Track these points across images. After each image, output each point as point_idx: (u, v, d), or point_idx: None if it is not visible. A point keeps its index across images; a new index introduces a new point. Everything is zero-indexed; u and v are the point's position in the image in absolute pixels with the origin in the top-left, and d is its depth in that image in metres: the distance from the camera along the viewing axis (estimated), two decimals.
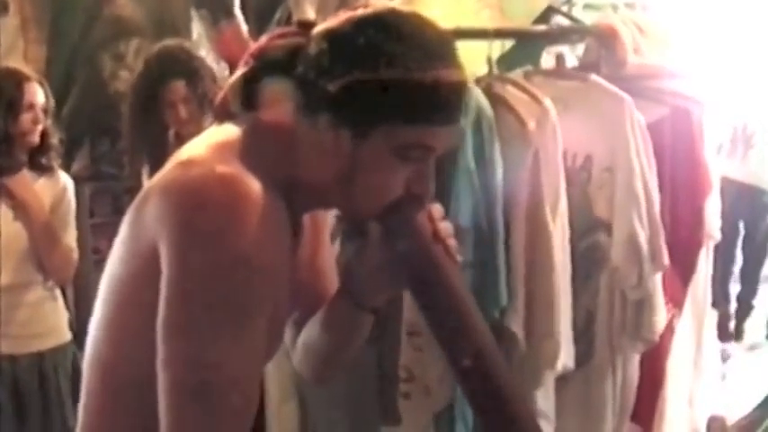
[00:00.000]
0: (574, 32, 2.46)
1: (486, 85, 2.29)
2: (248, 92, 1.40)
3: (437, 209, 1.40)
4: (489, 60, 2.32)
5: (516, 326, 2.19)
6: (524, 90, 2.27)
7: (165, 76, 3.22)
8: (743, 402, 4.04)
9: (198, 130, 3.23)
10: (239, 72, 1.43)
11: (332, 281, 1.54)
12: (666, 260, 2.34)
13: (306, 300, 1.52)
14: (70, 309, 3.97)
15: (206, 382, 1.22)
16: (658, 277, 2.36)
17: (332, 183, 1.34)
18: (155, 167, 2.74)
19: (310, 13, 4.48)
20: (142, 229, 1.30)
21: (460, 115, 1.36)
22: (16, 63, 3.84)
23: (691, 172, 2.45)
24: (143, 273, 1.29)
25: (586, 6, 4.63)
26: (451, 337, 1.37)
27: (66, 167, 4.19)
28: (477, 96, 2.18)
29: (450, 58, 1.32)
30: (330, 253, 1.58)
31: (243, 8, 4.24)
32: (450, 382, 2.16)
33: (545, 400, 2.31)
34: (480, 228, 2.15)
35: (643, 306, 2.36)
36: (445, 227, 1.39)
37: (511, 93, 2.27)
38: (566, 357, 2.26)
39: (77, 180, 4.28)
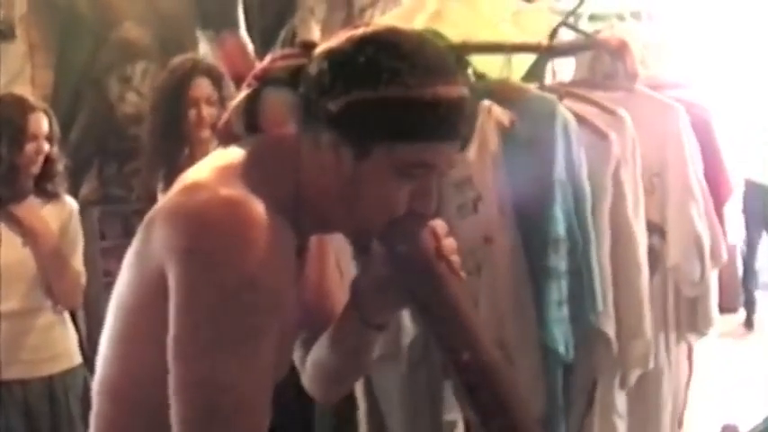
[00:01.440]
0: (585, 46, 2.49)
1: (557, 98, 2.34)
2: (251, 113, 1.41)
3: (441, 225, 1.40)
4: (540, 75, 2.38)
5: (609, 328, 2.25)
6: (589, 101, 2.31)
7: (192, 75, 3.29)
8: (757, 410, 4.02)
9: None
10: (242, 94, 1.44)
11: (339, 301, 1.54)
12: (725, 255, 2.49)
13: (313, 320, 1.52)
14: (81, 332, 3.99)
15: (218, 405, 1.23)
16: (714, 273, 2.47)
17: (335, 202, 1.34)
18: (168, 185, 2.78)
19: (315, 32, 4.50)
20: (149, 253, 1.31)
21: (462, 131, 1.36)
22: (23, 89, 3.86)
23: (714, 178, 2.53)
24: (150, 297, 1.29)
25: (592, 17, 4.64)
26: (456, 351, 1.37)
27: (75, 191, 4.22)
28: (562, 109, 2.22)
29: (449, 75, 1.32)
30: (336, 273, 1.58)
31: (248, 29, 4.27)
32: (531, 396, 2.19)
33: (620, 399, 2.38)
34: (573, 237, 2.20)
35: (697, 301, 2.47)
36: (449, 243, 1.39)
37: (577, 106, 2.31)
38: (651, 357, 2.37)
39: (86, 203, 4.32)
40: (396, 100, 1.28)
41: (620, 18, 4.72)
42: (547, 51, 2.36)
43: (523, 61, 2.45)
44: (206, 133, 3.22)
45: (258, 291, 1.24)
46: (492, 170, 2.17)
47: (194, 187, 1.31)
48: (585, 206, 2.21)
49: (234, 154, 1.38)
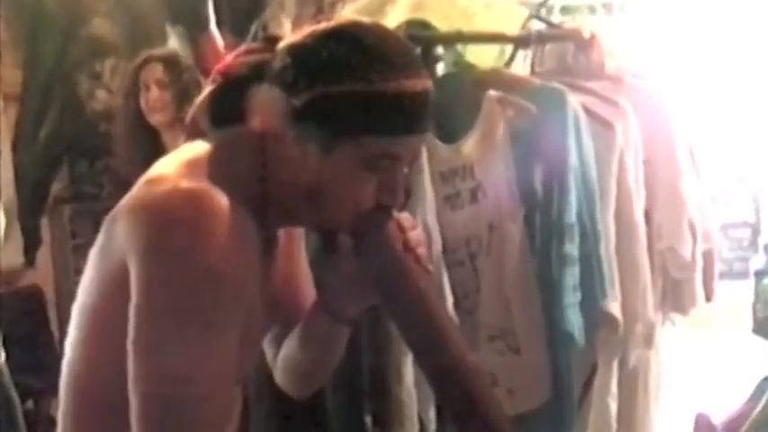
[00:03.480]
0: (552, 37, 2.52)
1: None
2: (217, 108, 1.41)
3: (407, 218, 1.40)
4: (533, 65, 2.42)
5: (616, 311, 2.32)
6: (587, 92, 2.36)
7: (146, 61, 3.38)
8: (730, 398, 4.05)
9: (170, 123, 3.24)
10: (207, 89, 1.44)
11: (309, 296, 1.54)
12: (715, 236, 2.61)
13: (283, 316, 1.52)
14: (53, 331, 3.97)
15: (176, 397, 1.22)
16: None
17: (301, 196, 1.34)
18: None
19: (286, 27, 4.48)
20: (112, 249, 1.30)
21: (426, 124, 1.35)
22: None
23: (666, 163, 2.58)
24: (114, 294, 1.29)
25: (564, 9, 4.65)
26: (424, 344, 1.37)
27: (47, 189, 4.20)
28: (571, 98, 2.26)
29: (412, 68, 1.32)
30: (306, 269, 1.58)
31: (218, 23, 4.24)
32: (538, 383, 2.25)
33: (614, 381, 2.45)
34: (583, 223, 2.26)
35: (684, 282, 2.56)
36: (416, 235, 1.39)
37: (577, 96, 2.36)
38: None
39: (57, 201, 4.30)
40: (359, 94, 1.28)
41: (592, 10, 4.75)
42: (523, 42, 2.38)
43: (487, 52, 2.47)
44: (157, 117, 3.24)
45: (218, 282, 1.23)
46: (498, 159, 2.20)
47: (156, 180, 1.31)
48: (594, 192, 2.28)
49: (199, 148, 1.38)
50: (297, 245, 1.55)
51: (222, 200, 1.25)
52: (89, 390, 1.35)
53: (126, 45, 4.31)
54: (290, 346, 1.53)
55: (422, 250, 1.39)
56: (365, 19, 1.39)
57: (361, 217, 1.34)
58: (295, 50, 1.32)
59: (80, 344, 1.35)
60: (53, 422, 3.58)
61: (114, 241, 1.30)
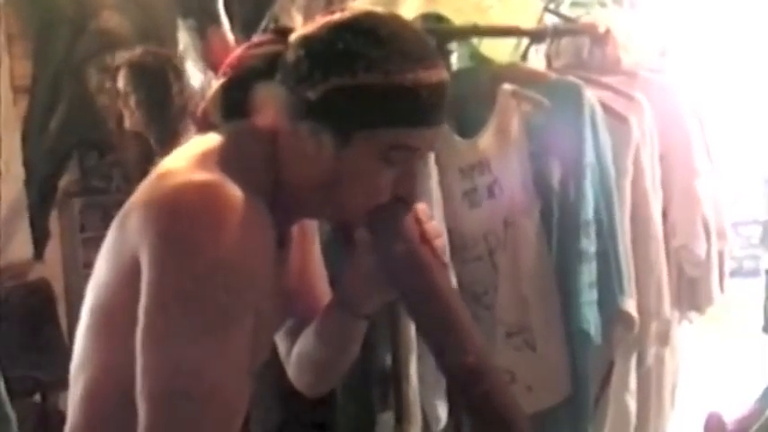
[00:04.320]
0: (568, 32, 2.50)
1: None
2: (228, 102, 1.39)
3: (423, 210, 1.38)
4: (549, 59, 2.41)
5: (633, 308, 2.31)
6: (603, 86, 2.34)
7: (117, 68, 3.45)
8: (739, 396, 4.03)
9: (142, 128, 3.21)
10: (218, 82, 1.42)
11: (323, 290, 1.52)
12: (728, 234, 2.61)
13: (297, 311, 1.50)
14: (62, 324, 3.96)
15: (186, 390, 1.20)
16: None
17: (316, 190, 1.32)
18: None
19: (297, 20, 4.47)
20: (124, 245, 1.28)
21: (443, 115, 1.33)
22: (1, 79, 3.82)
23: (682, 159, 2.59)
24: (126, 288, 1.27)
25: (574, 3, 4.62)
26: (441, 340, 1.35)
27: (56, 182, 4.19)
28: (588, 93, 2.25)
29: (429, 59, 1.30)
30: (320, 262, 1.56)
31: (229, 17, 4.22)
32: (555, 380, 2.22)
33: (632, 378, 2.46)
34: (600, 220, 2.25)
35: (700, 280, 2.57)
36: (432, 227, 1.37)
37: (593, 90, 2.34)
38: None
39: (67, 195, 4.29)
40: (376, 86, 1.26)
41: (602, 5, 4.72)
42: (539, 36, 2.36)
43: (502, 46, 2.45)
44: (127, 122, 3.24)
45: (231, 274, 1.21)
46: (513, 154, 2.18)
47: (169, 174, 1.29)
48: (611, 188, 2.26)
49: (211, 141, 1.36)
50: (310, 239, 1.53)
51: (236, 192, 1.23)
52: (99, 385, 1.33)
53: (136, 38, 4.29)
54: (304, 342, 1.51)
55: (439, 242, 1.37)
56: (380, 9, 1.37)
57: (377, 210, 1.32)
58: (309, 42, 1.30)
59: (92, 346, 1.33)
60: (62, 416, 3.58)
61: (127, 237, 1.28)
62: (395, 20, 1.33)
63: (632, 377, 2.44)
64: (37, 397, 4.03)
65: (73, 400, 1.37)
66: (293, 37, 1.34)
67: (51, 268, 4.21)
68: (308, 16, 4.45)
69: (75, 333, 3.38)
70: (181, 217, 1.22)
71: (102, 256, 1.35)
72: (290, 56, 1.31)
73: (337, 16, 1.31)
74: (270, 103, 1.33)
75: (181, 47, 4.26)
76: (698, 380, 4.57)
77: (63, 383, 3.79)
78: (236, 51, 1.43)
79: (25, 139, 4.20)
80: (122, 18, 4.37)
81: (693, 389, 4.17)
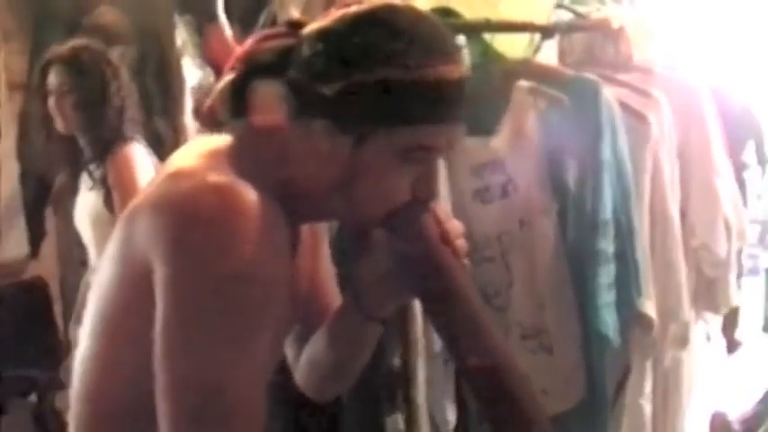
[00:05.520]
0: (581, 27, 2.46)
1: None
2: (237, 98, 1.33)
3: (443, 210, 1.34)
4: (562, 55, 2.37)
5: (651, 310, 2.27)
6: (620, 83, 2.30)
7: (48, 63, 3.11)
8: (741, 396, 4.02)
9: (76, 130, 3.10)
10: (227, 78, 1.36)
11: (332, 293, 1.47)
12: (749, 234, 2.62)
13: (306, 314, 1.45)
14: (57, 324, 3.92)
15: (208, 407, 1.15)
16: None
17: (331, 190, 1.27)
18: None
19: (295, 15, 4.42)
20: (132, 247, 1.23)
21: (463, 112, 1.29)
22: None
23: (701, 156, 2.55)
24: (135, 293, 1.22)
25: (574, 1, 4.58)
26: (463, 343, 1.30)
27: (51, 179, 4.14)
28: (605, 90, 2.21)
29: (450, 54, 1.26)
30: (329, 266, 1.51)
31: (227, 12, 4.18)
32: (571, 384, 2.17)
33: (647, 382, 2.43)
34: (618, 219, 2.21)
35: (718, 280, 2.51)
36: (453, 227, 1.33)
37: (610, 88, 2.31)
38: None
39: (62, 191, 4.23)
40: (395, 82, 1.21)
41: (601, 1, 4.68)
42: (552, 32, 2.31)
43: (513, 41, 2.41)
44: (60, 124, 3.07)
45: (252, 283, 1.16)
46: (529, 152, 2.14)
47: (180, 175, 1.23)
48: (629, 188, 2.22)
49: (220, 140, 1.31)
50: (320, 241, 1.48)
51: (252, 195, 1.19)
52: (103, 392, 1.28)
53: (133, 33, 4.24)
54: (315, 346, 1.46)
55: (460, 243, 1.33)
56: (398, 1, 1.32)
57: (395, 210, 1.27)
58: (325, 36, 1.25)
59: (96, 345, 1.28)
60: (58, 415, 3.56)
61: (135, 241, 1.23)
62: (414, 12, 1.28)
63: (648, 381, 2.40)
64: (33, 397, 3.99)
65: (76, 409, 1.32)
66: (307, 30, 1.29)
67: (47, 266, 4.17)
68: (306, 12, 4.42)
69: (71, 332, 3.33)
70: (197, 222, 1.17)
71: (108, 258, 1.30)
72: (305, 50, 1.26)
73: (354, 9, 1.26)
74: (283, 100, 1.28)
75: (179, 43, 4.22)
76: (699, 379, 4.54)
77: (59, 383, 3.77)
78: (246, 45, 1.37)
79: (21, 135, 4.15)
80: (119, 13, 4.32)
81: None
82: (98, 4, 4.28)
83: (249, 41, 1.37)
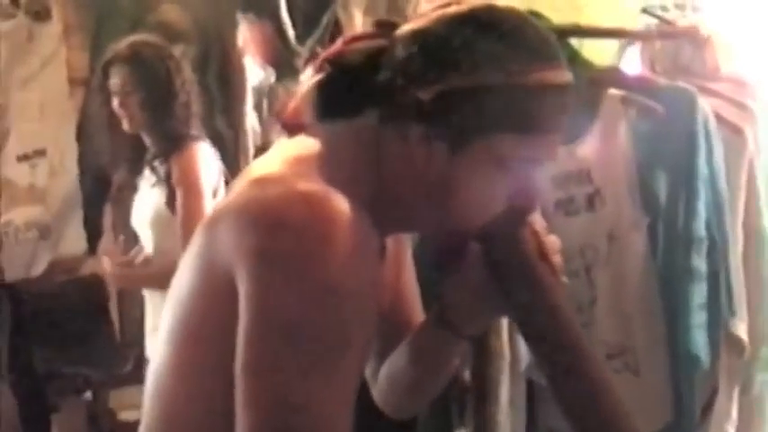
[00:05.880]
0: (671, 34, 2.37)
1: None
2: (325, 101, 1.27)
3: (541, 223, 1.27)
4: (652, 63, 2.30)
5: (743, 332, 2.20)
6: (713, 93, 2.22)
7: (109, 63, 3.08)
8: None
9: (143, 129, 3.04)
10: (314, 79, 1.30)
11: (415, 307, 1.41)
12: None
13: (388, 328, 1.39)
14: (113, 323, 3.90)
15: (292, 426, 1.09)
16: None
17: (424, 199, 1.21)
18: None
19: (358, 17, 4.38)
20: (214, 256, 1.17)
21: (566, 121, 1.22)
22: (58, 71, 3.76)
23: None
24: (216, 305, 1.16)
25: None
26: (560, 364, 1.24)
27: (110, 177, 4.13)
28: (701, 101, 2.14)
29: (555, 58, 1.19)
30: (413, 278, 1.45)
31: (290, 12, 4.15)
32: (658, 406, 2.11)
33: (734, 407, 2.32)
34: (711, 235, 2.14)
35: None
36: (551, 242, 1.26)
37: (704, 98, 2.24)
38: None
39: (120, 189, 4.22)
40: (496, 87, 1.15)
41: (664, 9, 4.58)
42: (642, 39, 2.24)
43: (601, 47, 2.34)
44: (126, 124, 3.02)
45: (343, 297, 1.10)
46: (618, 163, 2.06)
47: (266, 181, 1.18)
48: (723, 203, 2.14)
49: (305, 145, 1.25)
50: (404, 252, 1.42)
51: (344, 204, 1.13)
52: (178, 406, 1.23)
53: (195, 32, 4.22)
54: (395, 363, 1.40)
55: (557, 259, 1.26)
56: (498, 2, 1.25)
57: (491, 222, 1.21)
58: (422, 38, 1.19)
59: (173, 363, 1.22)
60: (112, 415, 3.54)
61: (216, 249, 1.17)
62: (516, 14, 1.22)
63: (735, 405, 2.31)
64: (87, 395, 3.97)
65: (149, 420, 1.27)
66: (401, 31, 1.23)
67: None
68: (368, 13, 4.37)
69: (127, 331, 3.30)
70: (285, 232, 1.11)
71: (186, 264, 1.24)
72: (399, 52, 1.20)
73: (453, 9, 1.20)
74: (375, 103, 1.22)
75: (240, 42, 4.19)
76: None
77: (114, 382, 3.76)
78: (335, 45, 1.32)
79: (81, 132, 4.13)
80: (181, 11, 4.30)
81: None
82: (161, 1, 4.26)
83: (339, 42, 1.31)
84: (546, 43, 1.20)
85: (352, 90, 1.24)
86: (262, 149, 4.20)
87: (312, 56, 4.31)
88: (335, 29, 4.31)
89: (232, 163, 3.45)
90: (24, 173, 4.12)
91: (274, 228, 1.12)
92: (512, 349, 1.98)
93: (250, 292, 1.11)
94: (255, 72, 4.10)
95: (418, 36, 1.19)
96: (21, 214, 4.11)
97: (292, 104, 1.34)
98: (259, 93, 4.10)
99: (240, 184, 1.23)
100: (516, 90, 1.15)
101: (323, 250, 1.10)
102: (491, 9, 1.21)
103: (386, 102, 1.21)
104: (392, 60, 1.20)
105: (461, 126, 1.16)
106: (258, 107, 4.09)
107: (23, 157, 4.12)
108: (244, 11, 4.20)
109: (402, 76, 1.18)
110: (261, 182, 1.18)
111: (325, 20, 4.29)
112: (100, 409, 3.93)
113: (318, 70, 1.31)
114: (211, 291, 1.18)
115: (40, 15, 4.14)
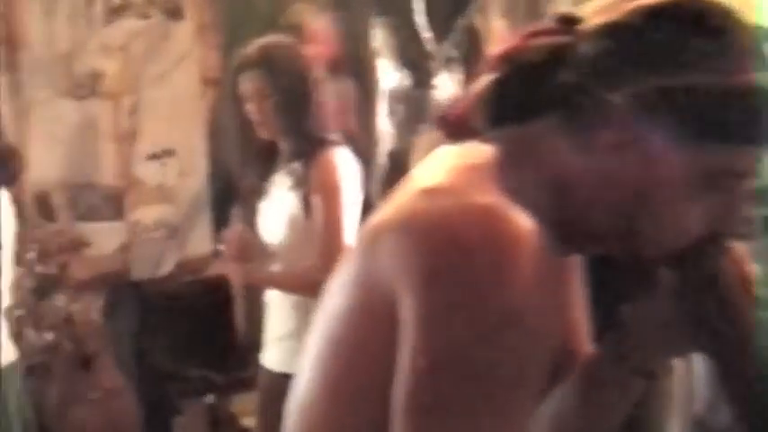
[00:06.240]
0: None
1: None
2: (502, 103, 1.14)
3: (742, 250, 1.12)
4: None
5: None
6: None
7: (239, 68, 2.90)
8: None
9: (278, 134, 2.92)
10: (488, 80, 1.17)
11: (584, 339, 1.27)
12: None
13: (556, 358, 1.25)
14: (237, 323, 3.85)
15: None
16: None
17: (613, 217, 1.06)
18: None
19: (495, 21, 4.28)
20: (373, 272, 1.06)
21: None
22: (191, 69, 3.74)
23: None
24: (374, 328, 1.05)
25: None
26: (759, 407, 1.09)
27: (240, 178, 4.10)
28: None
29: (766, 59, 1.04)
30: (583, 305, 1.30)
31: (427, 14, 4.09)
32: None
33: None
34: None
35: None
36: (753, 272, 1.11)
37: None
38: None
39: (248, 191, 4.18)
40: (707, 90, 1.00)
41: None
42: None
43: None
44: (261, 130, 2.87)
45: (521, 326, 0.97)
46: None
47: (435, 192, 1.05)
48: None
49: (475, 152, 1.11)
50: (575, 276, 1.28)
51: (525, 222, 1.00)
52: (327, 424, 1.12)
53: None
54: (562, 400, 1.25)
55: (760, 292, 1.11)
56: None
57: (688, 246, 1.07)
58: (615, 32, 1.04)
59: (322, 386, 1.11)
60: (233, 419, 3.48)
61: (377, 265, 1.05)
62: (724, 8, 1.07)
63: None
64: (210, 397, 3.94)
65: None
66: (590, 26, 1.09)
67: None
68: (507, 15, 4.25)
69: (251, 335, 3.22)
70: (458, 249, 0.98)
71: (341, 281, 1.13)
72: (587, 48, 1.06)
73: (651, 0, 1.05)
74: (559, 106, 1.08)
75: (375, 44, 4.13)
76: None
77: (236, 386, 3.69)
78: (511, 42, 1.18)
79: (211, 132, 4.12)
80: (315, 13, 4.25)
81: None
82: (295, 2, 4.21)
83: (515, 38, 1.18)
84: (755, 41, 1.05)
85: (531, 91, 1.11)
86: (395, 153, 4.12)
87: (448, 60, 4.24)
88: (471, 33, 4.22)
89: (364, 166, 3.35)
90: (154, 172, 4.12)
91: (446, 245, 0.99)
92: (684, 387, 1.81)
93: (414, 315, 1.00)
94: (391, 74, 4.02)
95: (612, 30, 1.05)
96: (149, 213, 4.12)
97: (459, 107, 1.22)
98: (394, 96, 4.03)
99: (403, 195, 1.11)
100: (728, 93, 1.01)
101: (502, 273, 0.97)
102: (696, 1, 1.06)
103: (568, 104, 1.07)
104: (578, 58, 1.06)
105: (662, 133, 1.02)
106: (393, 110, 4.01)
107: (153, 156, 4.12)
108: (379, 14, 4.15)
109: (589, 76, 1.05)
110: (428, 193, 1.06)
111: (461, 23, 4.20)
112: (222, 413, 3.89)
113: (492, 69, 1.18)
114: (368, 311, 1.06)
115: (173, 13, 4.16)
